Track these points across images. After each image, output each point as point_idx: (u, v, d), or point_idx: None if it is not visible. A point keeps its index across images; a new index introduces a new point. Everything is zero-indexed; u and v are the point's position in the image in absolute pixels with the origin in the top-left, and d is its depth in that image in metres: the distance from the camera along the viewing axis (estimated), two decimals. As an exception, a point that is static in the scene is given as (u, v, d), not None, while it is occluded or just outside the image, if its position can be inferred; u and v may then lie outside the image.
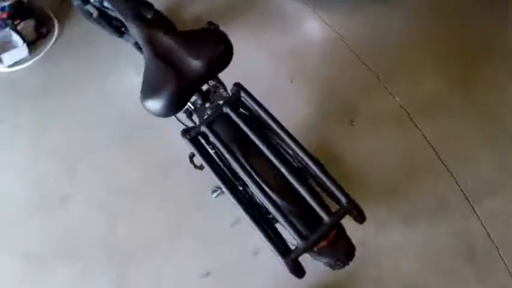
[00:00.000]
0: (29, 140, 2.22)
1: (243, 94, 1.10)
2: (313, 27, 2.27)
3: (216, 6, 2.43)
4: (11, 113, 2.27)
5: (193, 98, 1.39)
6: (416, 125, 1.93)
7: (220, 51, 1.11)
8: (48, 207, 2.09)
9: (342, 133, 1.96)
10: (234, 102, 1.12)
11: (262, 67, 2.20)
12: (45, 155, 2.18)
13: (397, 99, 1.98)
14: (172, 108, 1.11)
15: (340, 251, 1.07)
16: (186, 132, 1.11)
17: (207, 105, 1.40)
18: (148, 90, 1.10)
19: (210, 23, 1.63)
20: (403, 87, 2.02)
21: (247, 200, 1.13)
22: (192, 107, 1.49)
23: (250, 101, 1.09)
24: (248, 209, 1.01)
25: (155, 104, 1.08)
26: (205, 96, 1.37)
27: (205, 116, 1.37)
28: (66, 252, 2.00)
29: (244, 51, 2.23)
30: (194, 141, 1.11)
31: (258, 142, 1.04)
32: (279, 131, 1.05)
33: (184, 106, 1.14)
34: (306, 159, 1.00)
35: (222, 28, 2.15)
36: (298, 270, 0.93)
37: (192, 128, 1.13)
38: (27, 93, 2.32)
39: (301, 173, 1.10)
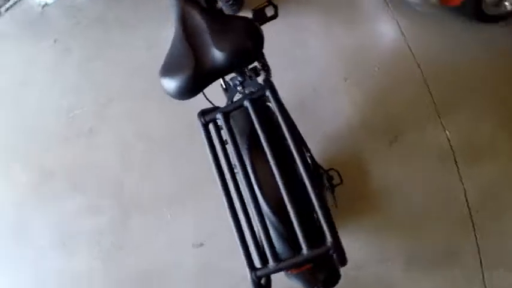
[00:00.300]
0: (75, 65, 2.28)
1: (268, 93, 1.02)
2: (385, 30, 2.09)
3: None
4: (66, 36, 2.33)
5: (231, 75, 1.33)
6: (458, 171, 1.75)
7: (247, 48, 1.02)
8: (76, 133, 2.18)
9: (378, 150, 1.84)
10: (258, 98, 1.05)
11: (319, 56, 2.08)
12: (85, 83, 2.24)
13: (448, 133, 1.81)
14: (184, 93, 1.05)
15: (315, 281, 1.02)
16: (202, 114, 1.06)
17: (239, 88, 1.34)
18: (166, 68, 1.05)
19: (269, 2, 1.53)
20: (457, 123, 1.83)
21: (241, 201, 1.06)
22: (225, 86, 1.43)
23: (274, 102, 1.01)
24: (235, 212, 0.96)
25: (168, 84, 1.04)
26: (240, 79, 1.31)
27: (231, 101, 1.32)
28: (78, 180, 2.10)
29: (306, 36, 2.15)
30: (206, 126, 1.06)
31: (266, 148, 0.97)
32: (291, 146, 0.97)
33: (198, 93, 1.08)
34: (308, 184, 0.92)
35: (286, 8, 2.05)
36: (258, 287, 0.92)
37: (210, 111, 1.07)
38: (86, 21, 2.36)
39: (299, 195, 1.02)
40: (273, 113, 1.08)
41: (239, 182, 1.00)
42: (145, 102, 2.12)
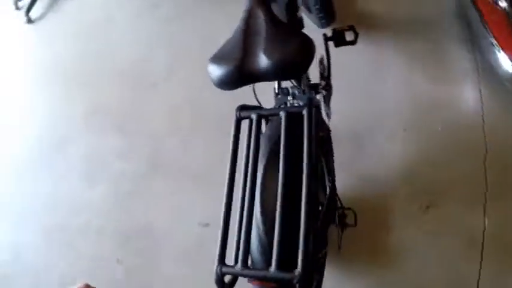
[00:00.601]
0: (162, 19, 2.43)
1: (304, 113, 1.02)
2: (465, 94, 1.97)
3: (396, 19, 2.23)
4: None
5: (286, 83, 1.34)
6: (481, 262, 1.59)
7: (291, 63, 1.01)
8: (141, 81, 2.37)
9: (407, 210, 1.75)
10: (294, 113, 1.04)
11: (388, 97, 2.01)
12: (163, 39, 2.38)
13: (486, 220, 1.68)
14: (221, 84, 1.07)
15: None
16: (240, 109, 1.08)
17: (289, 98, 1.35)
18: (216, 56, 1.07)
19: (351, 27, 1.52)
20: (501, 214, 1.67)
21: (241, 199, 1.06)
22: (277, 91, 1.45)
23: (305, 124, 1.00)
24: (230, 204, 0.98)
25: (212, 71, 1.06)
26: (293, 90, 1.32)
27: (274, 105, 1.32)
28: (126, 125, 2.29)
29: (383, 72, 2.09)
30: (239, 121, 1.08)
31: (281, 162, 0.96)
32: (304, 171, 0.95)
33: (234, 88, 1.08)
34: (303, 210, 0.91)
35: (372, 39, 2.01)
36: (219, 282, 0.92)
37: (249, 108, 1.09)
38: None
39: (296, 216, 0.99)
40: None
41: (247, 182, 1.00)
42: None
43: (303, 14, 2.07)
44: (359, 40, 2.18)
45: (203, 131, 2.12)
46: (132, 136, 2.24)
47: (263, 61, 1.00)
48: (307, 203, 0.91)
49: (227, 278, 0.95)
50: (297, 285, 0.85)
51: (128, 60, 2.48)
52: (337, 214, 1.46)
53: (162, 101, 2.29)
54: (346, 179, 1.81)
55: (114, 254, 1.96)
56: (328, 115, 1.61)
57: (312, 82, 1.53)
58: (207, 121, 2.13)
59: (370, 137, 1.93)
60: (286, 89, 1.40)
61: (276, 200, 0.94)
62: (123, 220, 2.04)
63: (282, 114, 1.01)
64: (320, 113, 1.17)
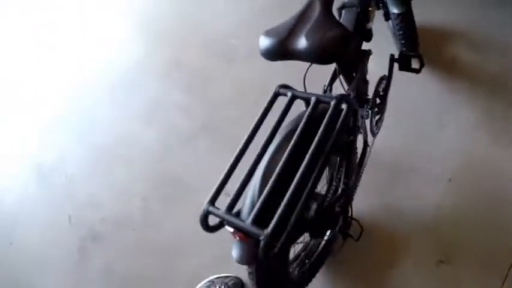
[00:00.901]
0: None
1: (332, 104, 1.06)
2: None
3: (485, 71, 2.15)
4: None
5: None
6: None
7: (327, 49, 1.09)
8: (222, 54, 2.58)
9: (419, 255, 1.69)
10: (323, 102, 1.10)
11: (444, 141, 1.95)
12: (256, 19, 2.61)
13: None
14: (264, 54, 1.18)
15: (245, 255, 1.05)
16: (280, 87, 1.17)
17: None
18: (268, 30, 1.17)
19: (418, 56, 1.52)
20: None
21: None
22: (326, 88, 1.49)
23: (328, 114, 1.05)
24: (238, 160, 1.07)
25: (260, 41, 1.17)
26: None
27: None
28: (193, 84, 2.52)
29: (448, 116, 2.02)
30: (276, 96, 1.16)
31: (294, 138, 1.03)
32: (308, 154, 1.00)
33: (274, 60, 1.18)
34: (296, 178, 0.96)
35: (448, 74, 1.97)
36: (203, 222, 1.01)
37: (287, 88, 1.17)
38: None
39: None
40: (333, 127, 1.10)
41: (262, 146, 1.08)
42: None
43: (391, 34, 2.09)
44: (436, 76, 2.16)
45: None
46: (195, 97, 2.42)
47: (301, 42, 1.10)
48: (300, 177, 0.97)
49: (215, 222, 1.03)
50: (261, 243, 0.91)
51: (215, 30, 2.69)
52: (343, 220, 1.48)
53: (232, 75, 2.45)
54: (371, 202, 1.82)
55: (142, 192, 2.13)
56: (373, 132, 1.63)
57: (368, 96, 1.56)
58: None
59: (411, 174, 1.89)
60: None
61: (275, 164, 1.01)
62: (160, 165, 2.21)
63: (313, 99, 1.10)
64: (351, 114, 1.21)
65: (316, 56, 1.11)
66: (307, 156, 0.99)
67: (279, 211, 0.93)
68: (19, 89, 2.82)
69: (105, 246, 1.99)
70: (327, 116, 1.05)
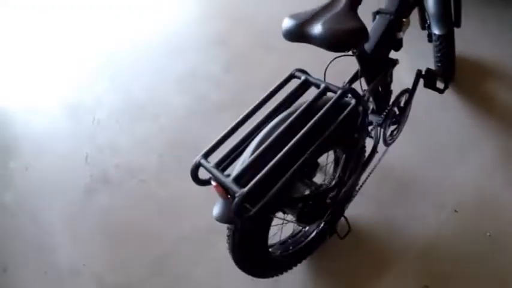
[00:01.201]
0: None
1: (338, 93, 1.12)
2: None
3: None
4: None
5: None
6: None
7: (339, 38, 1.13)
8: (263, 42, 2.61)
9: (401, 282, 1.66)
10: (331, 91, 1.15)
11: (458, 176, 1.91)
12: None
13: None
14: (284, 34, 1.23)
15: (225, 213, 1.08)
16: (297, 70, 1.24)
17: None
18: (292, 14, 1.22)
19: (444, 77, 1.51)
20: None
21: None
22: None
23: (331, 102, 1.10)
24: (243, 122, 1.17)
25: (283, 22, 1.22)
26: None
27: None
28: (232, 62, 2.61)
29: (470, 149, 1.97)
30: (290, 78, 1.25)
31: (294, 116, 1.09)
32: (305, 128, 1.05)
33: (291, 41, 1.23)
34: (289, 145, 1.02)
35: (484, 110, 1.94)
36: (193, 172, 1.07)
37: (304, 73, 1.23)
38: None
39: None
40: (335, 117, 1.16)
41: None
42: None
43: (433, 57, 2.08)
44: (470, 108, 2.12)
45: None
46: (231, 75, 2.52)
47: (317, 28, 1.15)
48: (290, 149, 1.02)
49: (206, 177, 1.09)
50: (235, 200, 0.96)
51: (266, 20, 2.76)
52: (333, 215, 1.50)
53: (271, 63, 2.51)
54: (369, 210, 1.83)
55: (159, 149, 2.24)
56: (386, 141, 1.63)
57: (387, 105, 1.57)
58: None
59: (417, 194, 1.88)
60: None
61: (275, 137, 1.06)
62: (182, 128, 2.31)
63: (322, 85, 1.15)
64: (359, 111, 1.24)
65: (328, 43, 1.15)
66: (301, 133, 1.04)
67: (259, 175, 0.98)
68: (71, 42, 3.05)
69: (112, 190, 2.10)
70: (329, 102, 1.10)
